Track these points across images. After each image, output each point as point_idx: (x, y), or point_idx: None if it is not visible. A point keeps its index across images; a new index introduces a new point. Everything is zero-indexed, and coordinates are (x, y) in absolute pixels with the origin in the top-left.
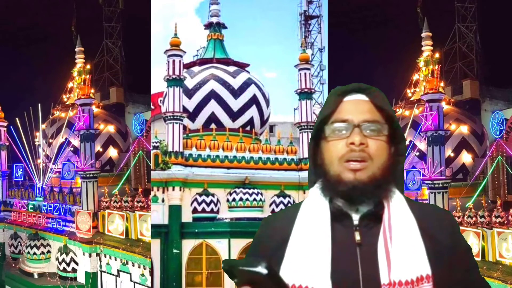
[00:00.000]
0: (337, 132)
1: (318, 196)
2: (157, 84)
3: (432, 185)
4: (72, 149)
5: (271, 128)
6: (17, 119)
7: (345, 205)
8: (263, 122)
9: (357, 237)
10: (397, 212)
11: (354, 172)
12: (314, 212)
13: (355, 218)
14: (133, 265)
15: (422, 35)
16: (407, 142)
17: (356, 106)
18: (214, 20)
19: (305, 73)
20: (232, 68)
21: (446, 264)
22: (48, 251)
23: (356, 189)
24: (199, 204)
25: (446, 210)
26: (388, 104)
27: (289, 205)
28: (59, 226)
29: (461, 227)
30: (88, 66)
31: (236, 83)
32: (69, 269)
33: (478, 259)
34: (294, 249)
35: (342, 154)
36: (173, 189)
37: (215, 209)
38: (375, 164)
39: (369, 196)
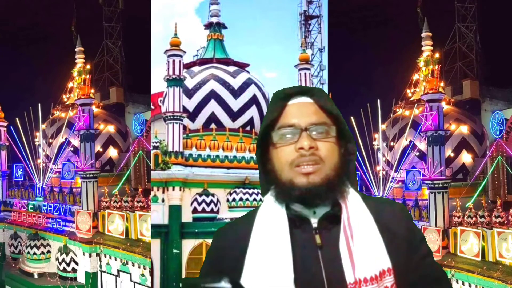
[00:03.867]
0: (284, 137)
1: (273, 203)
2: (157, 84)
3: (432, 185)
4: (72, 149)
5: None
6: (17, 119)
7: (302, 209)
8: None
9: (318, 240)
10: (355, 211)
11: (307, 176)
12: (271, 220)
13: (314, 221)
14: (133, 265)
15: (422, 35)
16: (407, 142)
17: (302, 109)
18: (214, 20)
19: (305, 73)
20: (232, 68)
21: (404, 255)
22: (48, 251)
23: (310, 192)
24: (199, 204)
25: (399, 203)
26: (332, 103)
27: None
28: (59, 226)
29: (461, 227)
30: (88, 66)
31: (236, 83)
32: (69, 269)
33: (478, 259)
34: (254, 259)
35: (292, 159)
36: (173, 189)
37: (215, 209)
38: (328, 166)
39: (324, 198)
